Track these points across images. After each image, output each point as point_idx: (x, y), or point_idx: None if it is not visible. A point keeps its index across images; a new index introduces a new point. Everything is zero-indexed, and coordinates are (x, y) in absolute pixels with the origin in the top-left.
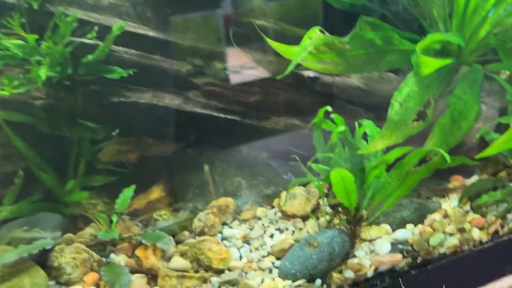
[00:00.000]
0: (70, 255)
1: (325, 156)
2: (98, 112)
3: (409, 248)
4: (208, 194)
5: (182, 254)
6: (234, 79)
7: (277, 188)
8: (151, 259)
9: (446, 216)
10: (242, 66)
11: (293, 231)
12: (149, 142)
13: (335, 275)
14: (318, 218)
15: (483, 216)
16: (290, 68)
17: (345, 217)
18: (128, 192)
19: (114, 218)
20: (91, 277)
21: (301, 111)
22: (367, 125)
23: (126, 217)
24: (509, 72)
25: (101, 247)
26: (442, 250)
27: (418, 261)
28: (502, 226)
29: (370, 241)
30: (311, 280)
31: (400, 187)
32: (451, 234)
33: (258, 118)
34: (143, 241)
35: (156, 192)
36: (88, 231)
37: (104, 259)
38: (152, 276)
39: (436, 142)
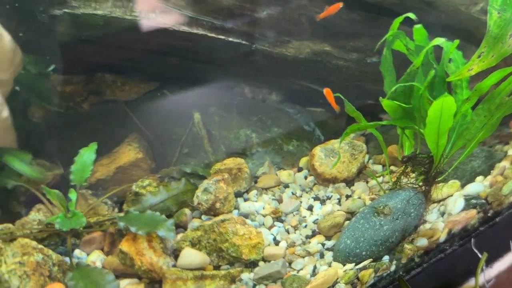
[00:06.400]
0: (13, 259)
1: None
2: (28, 35)
3: (483, 201)
4: (203, 153)
5: (194, 244)
6: None
7: (301, 143)
8: (148, 256)
9: None
10: None
11: (339, 200)
12: (107, 80)
13: (407, 246)
14: (367, 182)
15: None
16: None
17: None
18: (88, 154)
19: (73, 195)
20: None
21: (335, 32)
22: (449, 45)
23: (87, 192)
24: None
25: (57, 239)
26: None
27: (489, 214)
28: None
29: (439, 201)
30: (378, 257)
31: (484, 126)
32: None
33: (273, 41)
34: (132, 229)
35: (128, 153)
36: (33, 217)
37: (67, 260)
38: (151, 280)
39: None
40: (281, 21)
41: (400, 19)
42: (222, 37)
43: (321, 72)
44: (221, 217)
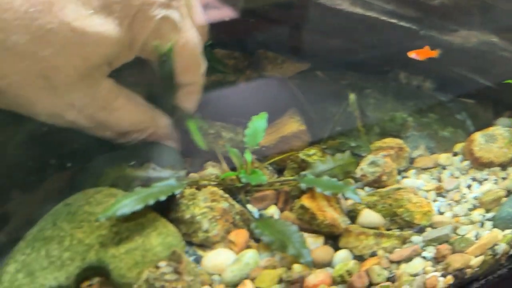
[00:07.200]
0: (204, 204)
1: None
2: None
3: None
4: (355, 132)
5: (370, 207)
6: None
7: (456, 130)
8: (329, 213)
9: None
10: None
11: (496, 180)
12: (269, 57)
13: None
14: None
15: None
16: None
17: None
18: (259, 121)
19: (248, 156)
20: (240, 236)
21: (504, 25)
22: None
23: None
24: None
25: (229, 194)
26: None
27: None
28: None
29: None
30: None
31: None
32: None
33: (441, 29)
34: (318, 190)
35: (291, 125)
36: (210, 171)
37: (247, 211)
38: (327, 235)
39: None
40: (453, 9)
41: None
42: (394, 21)
43: (483, 62)
44: (396, 186)
